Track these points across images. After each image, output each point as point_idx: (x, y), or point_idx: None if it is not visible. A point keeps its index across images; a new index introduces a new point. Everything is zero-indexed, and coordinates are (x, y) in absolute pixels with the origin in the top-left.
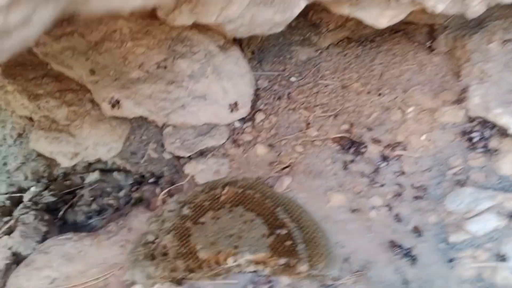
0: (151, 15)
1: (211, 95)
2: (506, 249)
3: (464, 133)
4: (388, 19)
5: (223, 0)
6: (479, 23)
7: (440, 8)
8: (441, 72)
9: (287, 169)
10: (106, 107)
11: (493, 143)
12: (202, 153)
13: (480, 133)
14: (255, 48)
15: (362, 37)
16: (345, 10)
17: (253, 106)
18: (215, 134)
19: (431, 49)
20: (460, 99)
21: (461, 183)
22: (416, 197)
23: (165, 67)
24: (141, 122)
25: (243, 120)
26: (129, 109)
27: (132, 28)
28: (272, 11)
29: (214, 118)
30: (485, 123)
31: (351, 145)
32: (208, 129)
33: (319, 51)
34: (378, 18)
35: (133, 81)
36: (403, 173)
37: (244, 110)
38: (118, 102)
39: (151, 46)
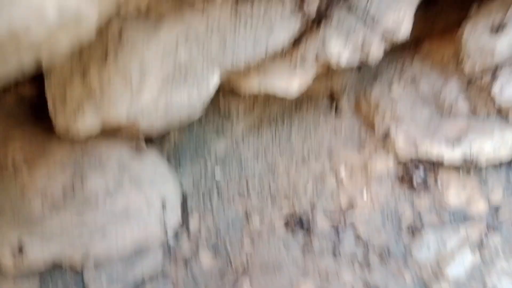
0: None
1: (134, 210)
2: (492, 280)
3: (400, 177)
4: (297, 82)
5: (131, 88)
6: (374, 75)
7: (344, 58)
8: (357, 128)
9: (241, 271)
10: (7, 258)
11: (431, 179)
12: (138, 286)
13: (416, 173)
14: (170, 149)
15: (271, 116)
16: (254, 82)
17: (184, 212)
18: (149, 257)
19: (338, 112)
20: (385, 146)
21: (418, 230)
22: (382, 260)
23: (73, 190)
24: (52, 270)
25: (177, 230)
26: (36, 253)
27: (26, 152)
28: (186, 91)
29: (143, 237)
30: (417, 161)
31: (300, 224)
32: (139, 254)
33: (235, 140)
34: (288, 83)
35: (36, 216)
36: (359, 238)
37: (175, 219)
38: (21, 248)
39: (52, 169)
